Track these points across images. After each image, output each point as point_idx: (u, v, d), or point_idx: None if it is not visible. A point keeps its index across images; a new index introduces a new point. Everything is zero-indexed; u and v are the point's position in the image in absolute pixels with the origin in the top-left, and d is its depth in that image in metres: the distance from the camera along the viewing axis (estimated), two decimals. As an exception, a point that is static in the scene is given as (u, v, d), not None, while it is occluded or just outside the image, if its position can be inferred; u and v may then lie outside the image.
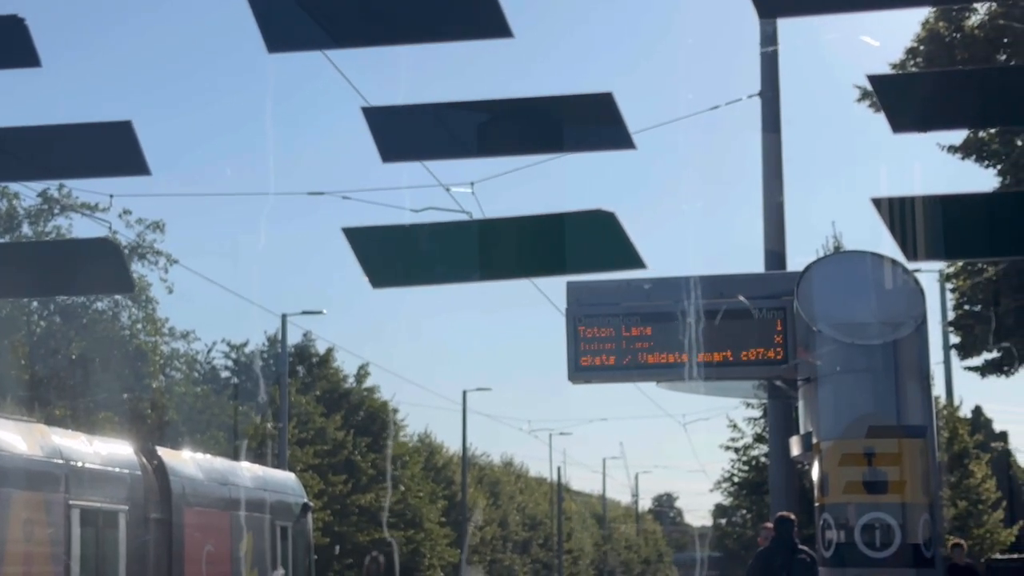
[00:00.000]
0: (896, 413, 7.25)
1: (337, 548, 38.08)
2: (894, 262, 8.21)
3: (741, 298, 7.81)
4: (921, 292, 7.75)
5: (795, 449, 8.15)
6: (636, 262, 4.27)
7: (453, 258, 4.32)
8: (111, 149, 4.57)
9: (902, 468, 7.13)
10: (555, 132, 4.35)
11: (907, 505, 7.11)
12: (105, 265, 4.77)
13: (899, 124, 4.10)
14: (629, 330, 8.28)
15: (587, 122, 4.27)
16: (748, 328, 8.08)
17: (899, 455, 7.16)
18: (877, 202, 4.08)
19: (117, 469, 17.23)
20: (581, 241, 4.21)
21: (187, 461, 19.76)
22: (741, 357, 8.05)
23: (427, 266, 4.35)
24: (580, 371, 8.38)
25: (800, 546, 13.35)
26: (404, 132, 4.34)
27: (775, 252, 18.56)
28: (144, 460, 18.14)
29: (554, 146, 4.56)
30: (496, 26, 4.13)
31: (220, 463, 21.54)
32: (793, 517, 13.84)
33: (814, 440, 7.54)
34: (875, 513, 7.11)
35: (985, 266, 21.64)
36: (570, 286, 8.55)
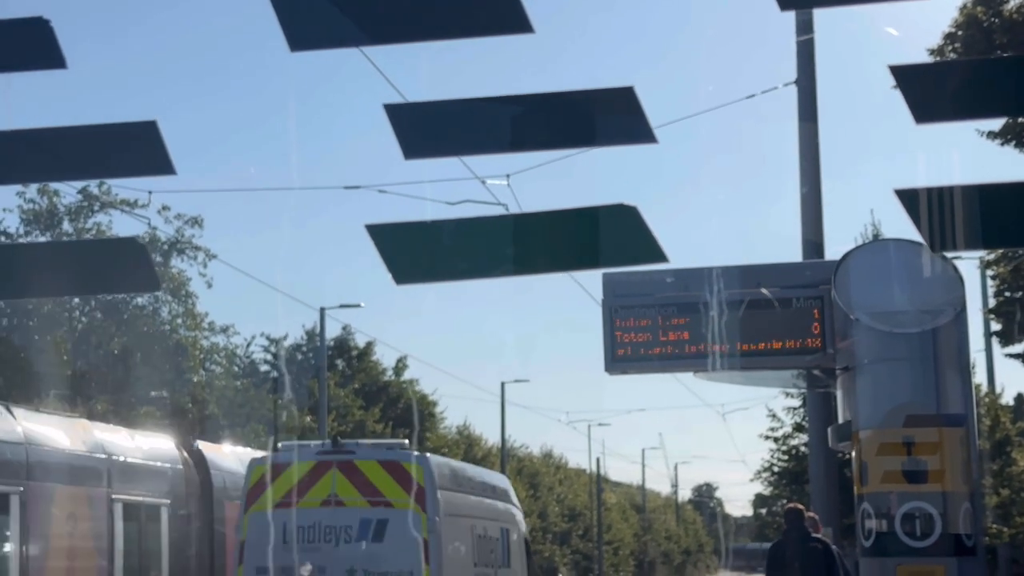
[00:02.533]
0: (936, 402, 7.20)
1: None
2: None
3: (764, 290, 7.78)
4: (960, 279, 7.69)
5: (834, 438, 8.11)
6: (658, 256, 4.25)
7: (478, 253, 4.32)
8: (137, 149, 4.61)
9: (942, 457, 7.09)
10: (579, 127, 4.34)
11: (947, 494, 7.06)
12: (132, 264, 4.81)
13: (922, 114, 4.07)
14: (666, 321, 8.27)
15: (609, 116, 4.26)
16: (785, 317, 8.05)
17: (939, 444, 7.12)
18: (902, 193, 4.06)
19: (159, 463, 17.36)
20: (608, 235, 4.21)
21: (227, 455, 19.87)
22: (778, 346, 8.02)
23: (451, 262, 4.35)
24: (617, 362, 8.38)
25: (813, 535, 13.36)
26: (426, 128, 4.34)
27: (813, 242, 18.47)
28: (185, 454, 18.27)
29: (578, 141, 4.55)
30: (516, 21, 4.13)
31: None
32: (801, 508, 13.89)
33: (853, 429, 7.50)
34: (915, 502, 7.07)
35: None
36: (606, 278, 8.54)
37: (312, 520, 12.47)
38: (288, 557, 12.31)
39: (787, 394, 36.16)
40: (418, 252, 4.36)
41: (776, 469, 42.63)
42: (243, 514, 13.02)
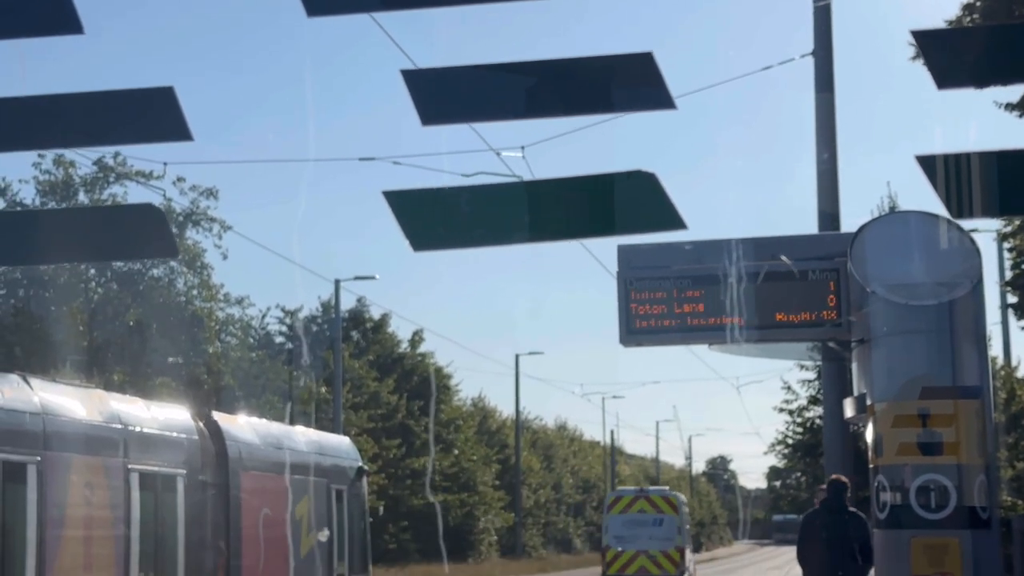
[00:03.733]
0: (951, 374, 7.18)
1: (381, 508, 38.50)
2: (949, 221, 8.11)
3: (784, 259, 7.74)
4: (977, 251, 7.65)
5: (849, 411, 8.09)
6: (677, 223, 4.23)
7: (494, 220, 4.31)
8: (154, 115, 4.61)
9: (957, 429, 7.07)
10: (598, 93, 4.32)
11: (963, 467, 7.05)
12: (150, 230, 4.81)
13: (944, 79, 4.03)
14: (681, 293, 8.24)
15: (628, 82, 4.23)
16: (801, 290, 8.02)
17: (954, 416, 7.10)
18: (922, 160, 4.02)
19: (174, 434, 17.42)
20: (624, 202, 4.18)
21: (243, 426, 19.93)
22: (794, 319, 8.00)
23: (468, 228, 4.34)
24: (632, 334, 8.36)
25: (851, 509, 13.33)
26: (444, 94, 4.32)
27: (828, 213, 18.40)
28: (201, 425, 18.33)
29: (596, 107, 4.53)
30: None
31: (276, 427, 21.72)
32: (845, 480, 13.82)
33: (868, 402, 7.48)
34: (930, 475, 7.05)
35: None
36: (621, 249, 8.52)
37: (633, 519, 30.30)
38: (624, 530, 30.21)
39: (802, 367, 36.17)
40: (435, 219, 4.35)
41: (790, 442, 42.70)
42: (606, 514, 31.64)
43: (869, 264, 7.66)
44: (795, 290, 8.02)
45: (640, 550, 29.54)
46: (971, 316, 7.29)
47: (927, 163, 4.06)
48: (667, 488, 36.85)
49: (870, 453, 7.46)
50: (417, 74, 4.34)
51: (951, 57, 4.07)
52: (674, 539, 30.03)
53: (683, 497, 34.77)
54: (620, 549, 29.79)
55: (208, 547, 17.74)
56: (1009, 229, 23.01)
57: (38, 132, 4.80)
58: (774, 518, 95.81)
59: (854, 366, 7.92)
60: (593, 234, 4.74)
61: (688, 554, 31.88)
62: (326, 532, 21.44)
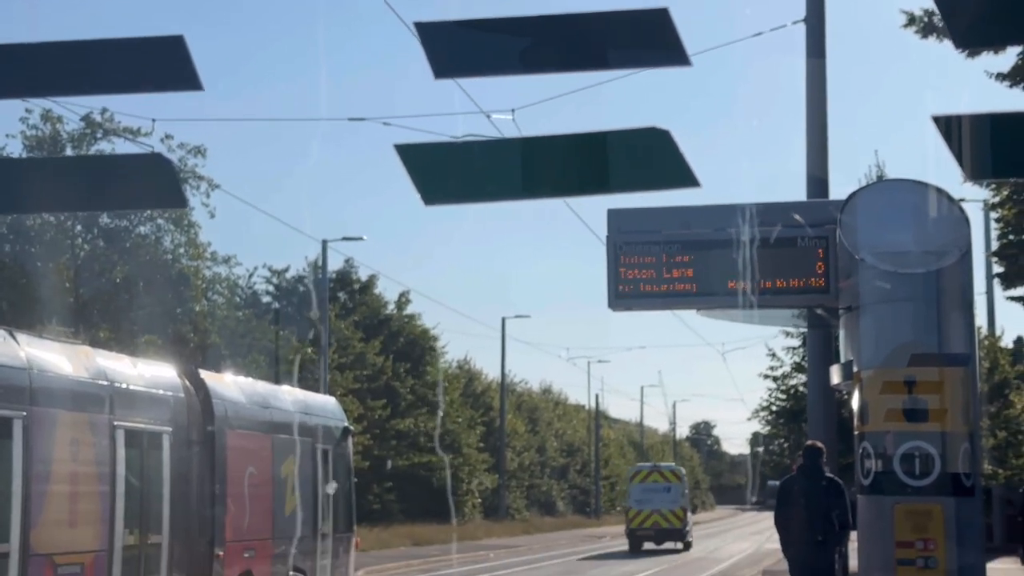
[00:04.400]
0: (938, 342, 7.20)
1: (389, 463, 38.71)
2: (939, 191, 8.12)
3: (796, 216, 7.74)
4: (966, 220, 7.66)
5: (835, 378, 8.12)
6: (690, 180, 4.22)
7: (502, 175, 4.29)
8: (163, 64, 4.57)
9: (943, 397, 7.10)
10: (613, 48, 4.29)
11: (947, 434, 7.09)
12: (156, 180, 4.79)
13: (963, 40, 4.01)
14: (670, 258, 8.24)
15: (643, 38, 4.20)
16: (790, 257, 8.03)
17: (940, 384, 7.13)
18: (938, 120, 4.00)
19: (161, 391, 17.41)
20: (632, 159, 4.18)
21: (229, 384, 19.93)
22: (782, 285, 8.01)
23: (477, 183, 4.33)
24: (620, 299, 8.36)
25: (828, 475, 13.45)
26: (456, 48, 4.29)
27: (818, 178, 18.42)
28: (187, 383, 18.31)
29: (612, 62, 4.50)
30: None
31: (262, 387, 21.72)
32: (821, 446, 13.94)
33: (855, 369, 7.51)
34: (915, 442, 7.09)
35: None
36: (611, 213, 8.51)
37: (650, 487, 41.22)
38: (643, 495, 41.49)
39: (787, 334, 36.30)
40: (448, 173, 4.33)
41: (774, 408, 42.85)
42: (629, 484, 43.73)
43: (859, 232, 7.66)
44: (784, 257, 8.03)
45: (654, 509, 41.55)
46: (959, 285, 7.32)
47: (943, 124, 4.04)
48: (673, 464, 52.26)
49: (855, 420, 7.50)
50: (431, 27, 4.30)
51: (971, 16, 4.03)
52: (679, 501, 41.95)
53: (684, 471, 47.44)
54: (639, 509, 42.01)
55: (193, 504, 17.76)
56: (997, 199, 23.06)
57: (46, 80, 4.76)
58: (769, 483, 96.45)
59: (841, 333, 7.94)
60: (595, 190, 4.72)
61: (688, 514, 43.49)
62: (333, 484, 21.53)
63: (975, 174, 4.19)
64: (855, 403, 7.50)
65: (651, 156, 4.08)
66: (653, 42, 4.15)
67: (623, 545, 50.43)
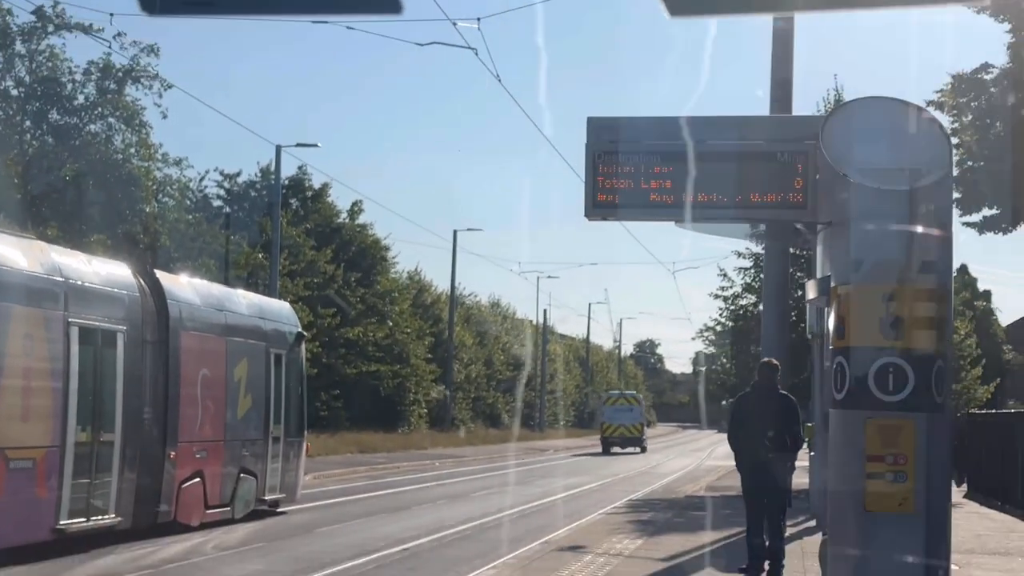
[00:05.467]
0: (916, 260, 7.24)
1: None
2: (920, 109, 8.12)
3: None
4: (947, 139, 7.67)
5: (811, 293, 8.15)
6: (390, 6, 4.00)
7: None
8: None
9: (919, 313, 7.15)
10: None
11: (921, 351, 7.14)
12: None
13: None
14: (649, 168, 8.19)
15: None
16: (769, 171, 8.00)
17: (917, 300, 7.18)
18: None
19: (115, 290, 17.25)
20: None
21: (185, 285, 19.78)
22: (759, 200, 7.99)
23: None
24: (597, 207, 8.31)
25: (782, 392, 13.60)
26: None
27: (782, 79, 18.35)
28: (142, 282, 18.15)
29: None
30: None
31: (217, 289, 21.60)
32: (777, 363, 14.06)
33: (832, 284, 7.54)
34: (890, 358, 7.15)
35: (994, 122, 21.52)
36: (591, 121, 8.43)
37: (618, 408, 58.30)
38: (613, 414, 58.34)
39: (739, 255, 36.52)
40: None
41: (719, 328, 43.21)
42: (603, 406, 61.14)
43: (840, 147, 7.64)
44: (763, 171, 8.00)
45: (620, 424, 58.13)
46: (939, 203, 7.34)
47: None
48: (635, 392, 67.61)
49: (831, 335, 7.54)
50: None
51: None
52: (639, 419, 59.14)
53: (642, 396, 67.19)
54: (611, 423, 58.41)
55: (146, 404, 17.70)
56: (956, 125, 23.17)
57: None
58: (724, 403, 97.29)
59: (818, 249, 7.95)
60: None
61: (644, 427, 61.41)
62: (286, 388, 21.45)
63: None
64: (831, 319, 7.54)
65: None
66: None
67: (566, 458, 51.02)
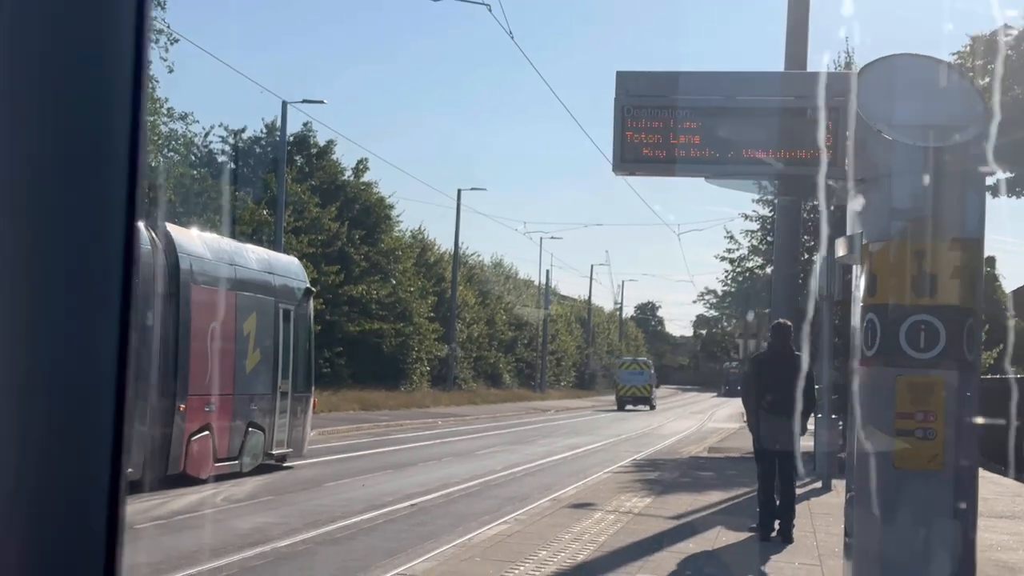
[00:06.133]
0: (950, 217, 7.20)
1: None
2: (951, 65, 8.05)
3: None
4: (980, 96, 7.61)
5: (841, 250, 8.11)
6: None
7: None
8: None
9: (952, 272, 7.12)
10: None
11: (953, 308, 7.12)
12: None
13: None
14: (678, 123, 8.13)
15: None
16: (799, 127, 7.95)
17: (950, 258, 7.14)
18: None
19: (128, 242, 17.22)
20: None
21: (195, 239, 19.76)
22: (789, 156, 7.94)
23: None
24: (626, 162, 8.25)
25: (796, 352, 13.63)
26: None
27: (795, 54, 18.32)
28: (153, 235, 18.12)
29: None
30: None
31: (227, 243, 21.57)
32: (790, 324, 14.09)
33: (863, 241, 7.50)
34: (922, 315, 7.12)
35: (1014, 85, 21.40)
36: (619, 75, 8.36)
37: (631, 372, 66.81)
38: (627, 377, 66.69)
39: (746, 217, 36.43)
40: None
41: (720, 292, 43.34)
42: (618, 370, 69.61)
43: (874, 103, 7.58)
44: (793, 127, 7.95)
45: (633, 385, 66.16)
46: (974, 161, 7.29)
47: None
48: (646, 358, 76.34)
49: (861, 292, 7.52)
50: None
51: None
52: (648, 381, 67.05)
53: (651, 361, 73.44)
54: (625, 384, 66.39)
55: (156, 357, 17.69)
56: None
57: None
58: (726, 365, 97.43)
59: (849, 205, 7.91)
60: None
61: (654, 388, 69.02)
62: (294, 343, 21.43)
63: None
64: (862, 277, 7.51)
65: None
66: None
67: (568, 419, 51.15)
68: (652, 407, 66.80)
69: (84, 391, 1.11)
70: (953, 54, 23.49)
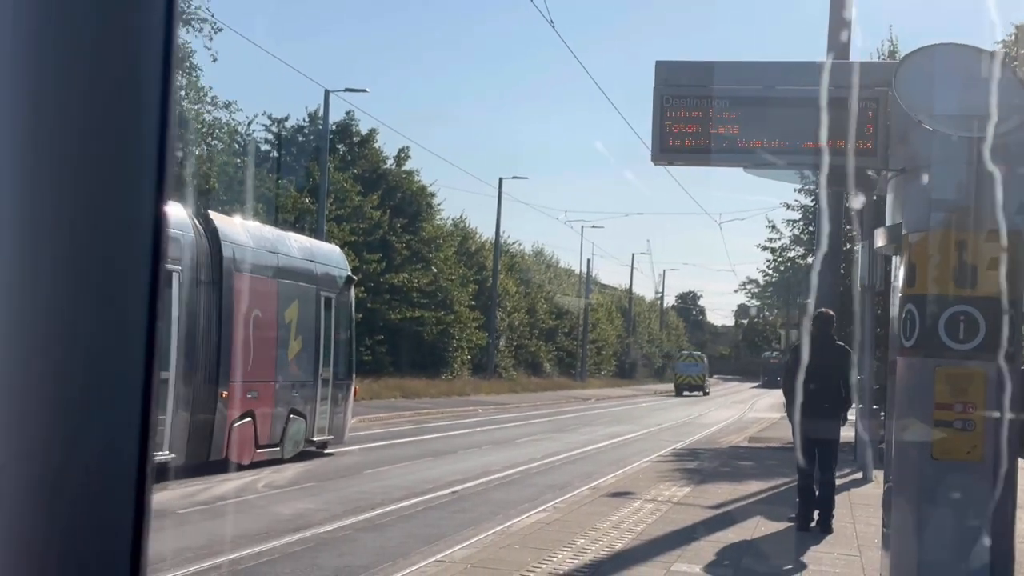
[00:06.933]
0: (991, 207, 7.17)
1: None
2: (994, 55, 8.00)
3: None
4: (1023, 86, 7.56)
5: (880, 240, 8.09)
6: None
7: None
8: None
9: (992, 262, 7.09)
10: None
11: (994, 300, 7.09)
12: None
13: None
14: (718, 113, 8.13)
15: None
16: (840, 117, 7.93)
17: (991, 249, 7.11)
18: None
19: (172, 230, 17.36)
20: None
21: (238, 227, 19.91)
22: (829, 145, 7.92)
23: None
24: (665, 152, 8.26)
25: (838, 342, 13.61)
26: None
27: (838, 42, 18.21)
28: (198, 223, 18.30)
29: None
30: None
31: (270, 231, 21.72)
32: (832, 314, 14.05)
33: (903, 232, 7.48)
34: (962, 306, 7.10)
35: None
36: (659, 65, 8.36)
37: (688, 363, 78.11)
38: (684, 367, 78.29)
39: (787, 206, 36.27)
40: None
41: (762, 281, 43.25)
42: (677, 361, 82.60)
43: (915, 93, 7.56)
44: (833, 117, 7.93)
45: (689, 374, 75.58)
46: (1016, 151, 7.25)
47: None
48: (700, 352, 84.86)
49: (900, 283, 7.50)
50: None
51: None
52: (702, 371, 76.55)
53: (704, 355, 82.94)
54: (682, 374, 76.12)
55: (200, 344, 17.87)
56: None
57: None
58: (765, 355, 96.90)
59: (890, 196, 7.88)
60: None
61: (706, 377, 78.15)
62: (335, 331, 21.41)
63: None
64: (901, 267, 7.48)
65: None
66: None
67: (608, 407, 51.18)
68: (705, 393, 75.93)
69: (112, 378, 1.14)
70: (998, 43, 23.27)
